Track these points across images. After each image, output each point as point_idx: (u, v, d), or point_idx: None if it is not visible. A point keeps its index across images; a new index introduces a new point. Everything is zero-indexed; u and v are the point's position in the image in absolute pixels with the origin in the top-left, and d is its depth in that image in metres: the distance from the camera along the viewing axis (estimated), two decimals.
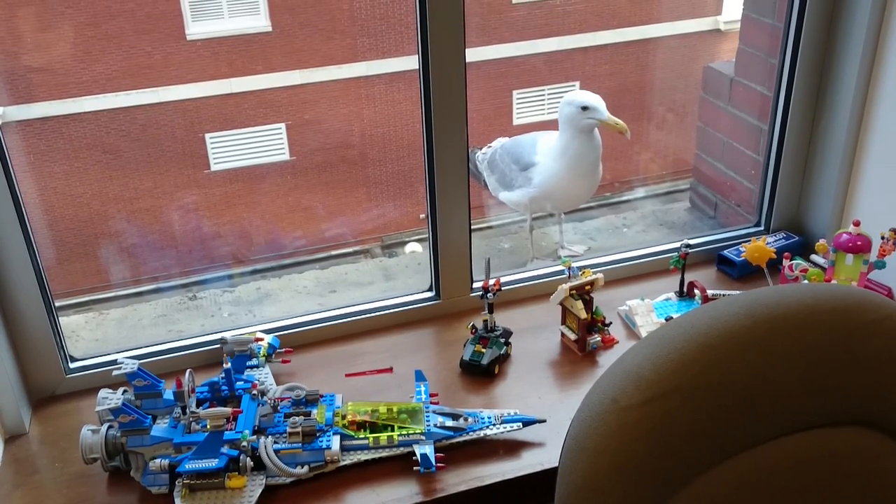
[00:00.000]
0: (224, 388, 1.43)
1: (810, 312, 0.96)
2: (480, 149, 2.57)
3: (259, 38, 4.59)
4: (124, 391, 1.37)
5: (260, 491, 1.29)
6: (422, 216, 1.74)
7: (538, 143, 2.37)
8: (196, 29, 4.41)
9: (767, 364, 0.94)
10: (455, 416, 1.40)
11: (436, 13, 1.51)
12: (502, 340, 1.61)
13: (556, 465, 0.97)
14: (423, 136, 1.64)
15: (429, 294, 1.77)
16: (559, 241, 2.63)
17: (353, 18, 4.76)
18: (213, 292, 3.19)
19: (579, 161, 2.24)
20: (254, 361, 1.54)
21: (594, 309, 1.63)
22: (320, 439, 1.34)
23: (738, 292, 1.62)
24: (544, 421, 1.40)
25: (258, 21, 4.55)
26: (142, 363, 1.37)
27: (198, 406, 1.40)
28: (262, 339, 1.58)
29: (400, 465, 1.35)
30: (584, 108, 2.15)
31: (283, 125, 4.76)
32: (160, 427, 1.33)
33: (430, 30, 1.52)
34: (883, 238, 1.57)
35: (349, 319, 1.71)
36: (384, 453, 1.36)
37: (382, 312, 1.73)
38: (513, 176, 2.40)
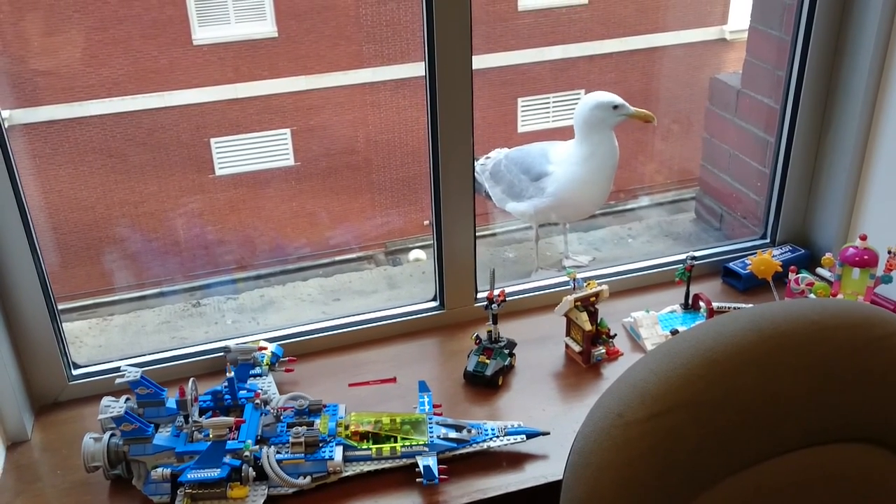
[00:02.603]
0: (227, 397, 1.43)
1: (816, 328, 0.96)
2: (478, 159, 2.56)
3: (265, 43, 4.60)
4: (127, 399, 1.36)
5: (262, 501, 1.28)
6: (426, 223, 1.74)
7: (550, 153, 2.35)
8: (202, 34, 4.42)
9: (773, 380, 0.94)
10: (458, 428, 1.39)
11: (443, 21, 1.51)
12: (506, 351, 1.60)
13: (560, 478, 0.97)
14: (429, 145, 1.64)
15: (433, 304, 1.77)
16: (564, 251, 2.62)
17: (358, 25, 4.78)
18: (217, 299, 3.19)
19: (602, 166, 2.23)
20: (257, 370, 1.54)
21: (599, 321, 1.63)
22: (323, 450, 1.34)
23: (743, 305, 1.62)
24: (548, 433, 1.40)
25: (264, 27, 4.56)
26: (145, 371, 1.36)
27: (200, 415, 1.40)
28: (265, 348, 1.58)
29: (402, 477, 1.34)
30: (616, 107, 2.16)
31: (288, 130, 4.77)
32: (162, 436, 1.33)
33: (437, 37, 1.52)
34: (890, 252, 1.57)
35: (353, 329, 1.71)
36: (387, 464, 1.35)
37: (386, 322, 1.73)
38: (522, 186, 2.39)
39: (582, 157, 2.24)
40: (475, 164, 2.53)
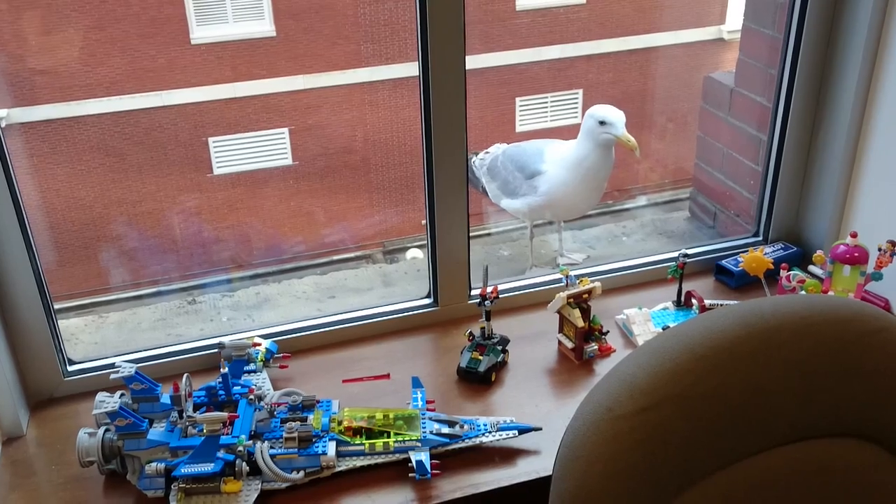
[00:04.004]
0: (221, 392, 1.44)
1: (806, 324, 0.96)
2: (477, 154, 2.57)
3: (263, 42, 4.60)
4: (122, 394, 1.37)
5: (255, 496, 1.29)
6: (423, 222, 1.74)
7: (545, 152, 2.37)
8: (201, 33, 4.42)
9: (762, 375, 0.94)
10: (451, 423, 1.40)
11: (436, 20, 1.52)
12: (499, 348, 1.61)
13: (552, 473, 0.97)
14: (423, 144, 1.64)
15: (427, 301, 1.77)
16: (558, 249, 2.63)
17: (357, 24, 4.78)
18: (213, 297, 3.20)
19: (592, 174, 2.25)
20: (251, 366, 1.54)
21: (591, 317, 1.63)
22: (316, 445, 1.34)
23: (734, 302, 1.63)
24: (540, 429, 1.41)
25: (263, 26, 4.56)
26: (140, 367, 1.37)
27: (195, 410, 1.40)
28: (259, 344, 1.59)
29: (395, 472, 1.35)
30: (602, 123, 2.16)
31: (286, 130, 4.77)
32: (157, 431, 1.34)
33: (431, 37, 1.53)
34: (880, 250, 1.58)
35: (347, 325, 1.71)
36: (380, 459, 1.36)
37: (380, 319, 1.73)
38: (516, 184, 2.40)
39: (575, 161, 2.26)
40: (474, 158, 2.56)
